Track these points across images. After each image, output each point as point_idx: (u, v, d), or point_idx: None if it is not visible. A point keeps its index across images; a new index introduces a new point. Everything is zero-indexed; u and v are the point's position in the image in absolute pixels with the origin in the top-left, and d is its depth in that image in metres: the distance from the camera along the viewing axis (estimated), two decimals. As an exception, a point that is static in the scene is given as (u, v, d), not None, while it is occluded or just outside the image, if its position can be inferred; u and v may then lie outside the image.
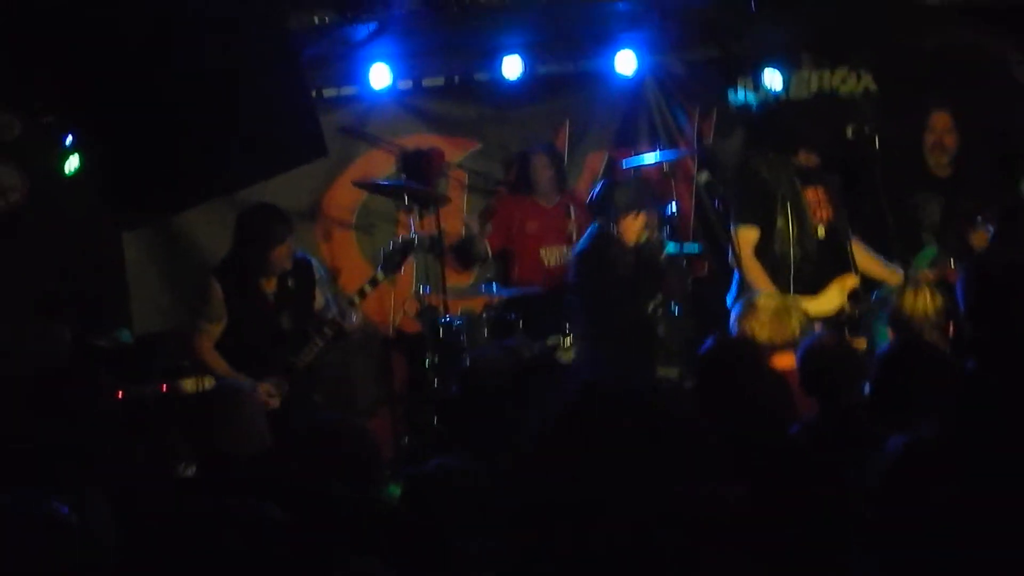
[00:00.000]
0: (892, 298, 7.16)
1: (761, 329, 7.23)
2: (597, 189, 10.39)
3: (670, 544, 2.59)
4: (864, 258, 9.54)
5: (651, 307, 10.07)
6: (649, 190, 10.44)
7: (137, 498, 5.17)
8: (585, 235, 10.41)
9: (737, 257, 9.29)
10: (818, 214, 9.38)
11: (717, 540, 2.67)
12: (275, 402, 9.04)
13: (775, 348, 6.96)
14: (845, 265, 9.32)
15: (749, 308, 7.44)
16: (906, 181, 10.11)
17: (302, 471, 5.53)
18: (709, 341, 6.36)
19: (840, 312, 9.03)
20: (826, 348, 6.32)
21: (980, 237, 9.72)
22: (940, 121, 10.05)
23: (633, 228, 9.98)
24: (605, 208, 10.08)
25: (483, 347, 9.76)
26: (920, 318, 6.90)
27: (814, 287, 9.14)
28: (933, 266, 9.67)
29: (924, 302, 6.98)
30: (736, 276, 9.45)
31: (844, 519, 3.53)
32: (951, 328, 6.91)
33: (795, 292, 9.11)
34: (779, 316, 7.31)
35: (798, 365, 6.35)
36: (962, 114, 10.39)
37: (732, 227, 9.45)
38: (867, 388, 5.82)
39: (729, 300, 9.48)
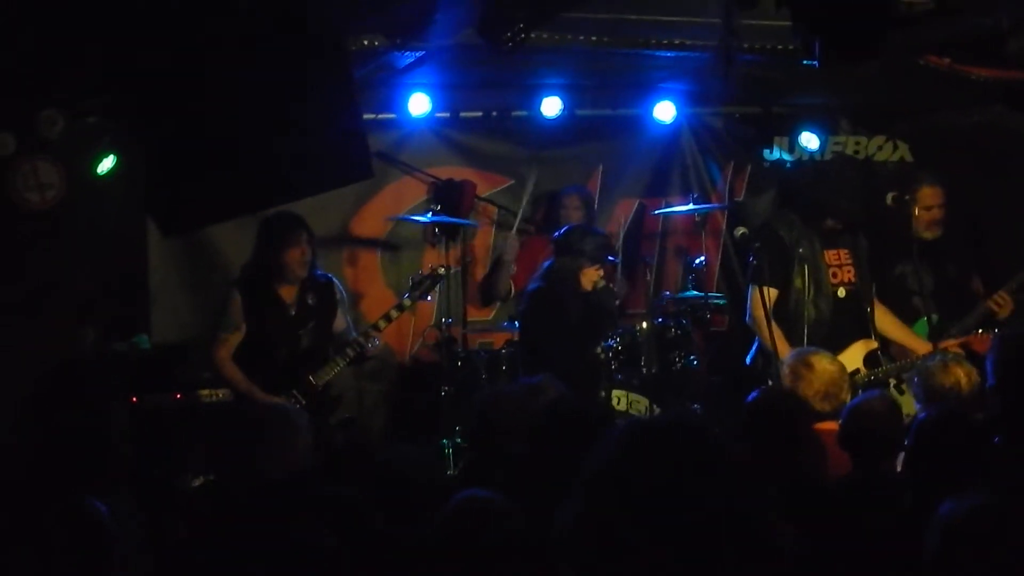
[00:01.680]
0: (926, 369, 7.12)
1: (815, 396, 7.18)
2: (565, 230, 10.33)
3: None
4: (888, 323, 9.55)
5: (599, 351, 10.01)
6: (611, 244, 10.41)
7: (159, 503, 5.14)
8: (541, 271, 10.39)
9: (753, 318, 9.29)
10: (838, 276, 9.38)
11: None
12: None
13: (821, 415, 6.93)
14: (865, 328, 9.33)
15: (805, 368, 7.37)
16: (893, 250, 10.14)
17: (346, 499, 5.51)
18: (762, 389, 6.33)
19: (855, 374, 9.02)
20: (875, 411, 6.30)
21: (1001, 305, 9.75)
22: (930, 196, 10.01)
23: (591, 278, 9.98)
24: (570, 250, 10.05)
25: (506, 385, 9.71)
26: (954, 390, 6.88)
27: (830, 347, 9.13)
28: (938, 337, 9.68)
29: (956, 375, 6.96)
30: (757, 337, 9.44)
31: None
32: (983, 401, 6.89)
33: None
34: (834, 386, 7.26)
35: (843, 419, 6.33)
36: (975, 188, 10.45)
37: (750, 287, 9.44)
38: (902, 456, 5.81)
39: (748, 359, 9.47)
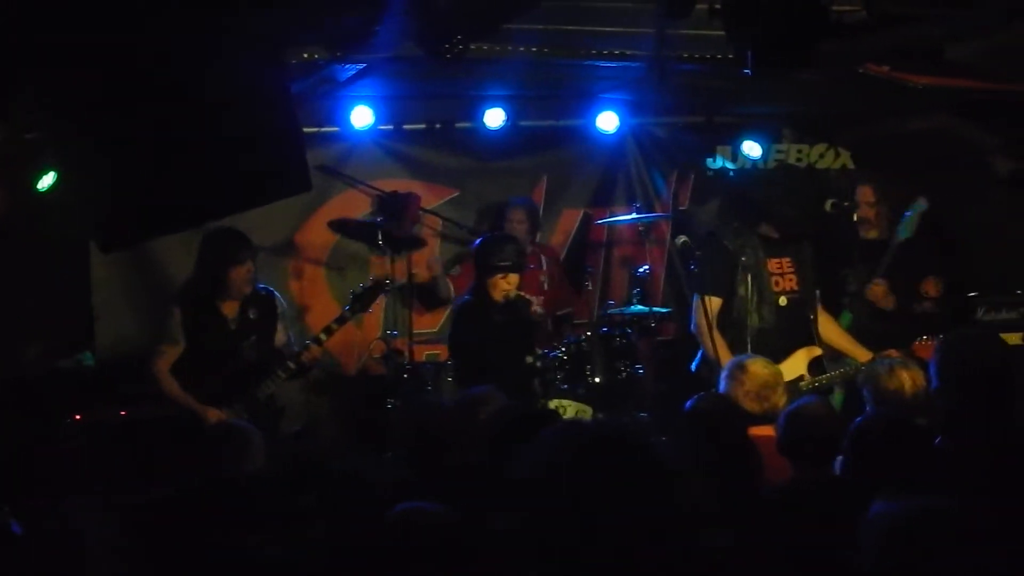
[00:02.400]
0: (873, 373, 7.15)
1: (745, 396, 7.22)
2: (476, 242, 10.37)
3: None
4: (831, 331, 9.58)
5: (530, 359, 10.02)
6: (522, 251, 10.39)
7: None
8: (467, 288, 10.45)
9: (697, 326, 9.31)
10: (780, 284, 9.39)
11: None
12: None
13: (755, 418, 6.95)
14: (809, 335, 9.36)
15: (738, 371, 7.41)
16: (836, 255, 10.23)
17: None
18: (695, 398, 6.34)
19: (798, 380, 9.06)
20: (813, 415, 6.32)
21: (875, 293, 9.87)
22: (864, 194, 10.12)
23: (501, 287, 9.99)
24: (479, 264, 10.11)
25: (443, 398, 9.73)
26: (898, 393, 6.91)
27: (773, 354, 9.16)
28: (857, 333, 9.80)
29: (900, 378, 6.99)
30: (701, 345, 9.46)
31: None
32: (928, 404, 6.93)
33: None
34: (766, 388, 7.29)
35: (781, 425, 6.36)
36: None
37: (696, 296, 9.45)
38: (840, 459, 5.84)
39: (693, 367, 9.49)
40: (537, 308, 10.97)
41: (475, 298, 10.21)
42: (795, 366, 9.18)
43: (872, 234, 10.31)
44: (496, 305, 10.03)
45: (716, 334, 9.09)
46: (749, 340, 9.16)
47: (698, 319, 9.31)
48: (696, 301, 9.36)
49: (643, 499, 2.57)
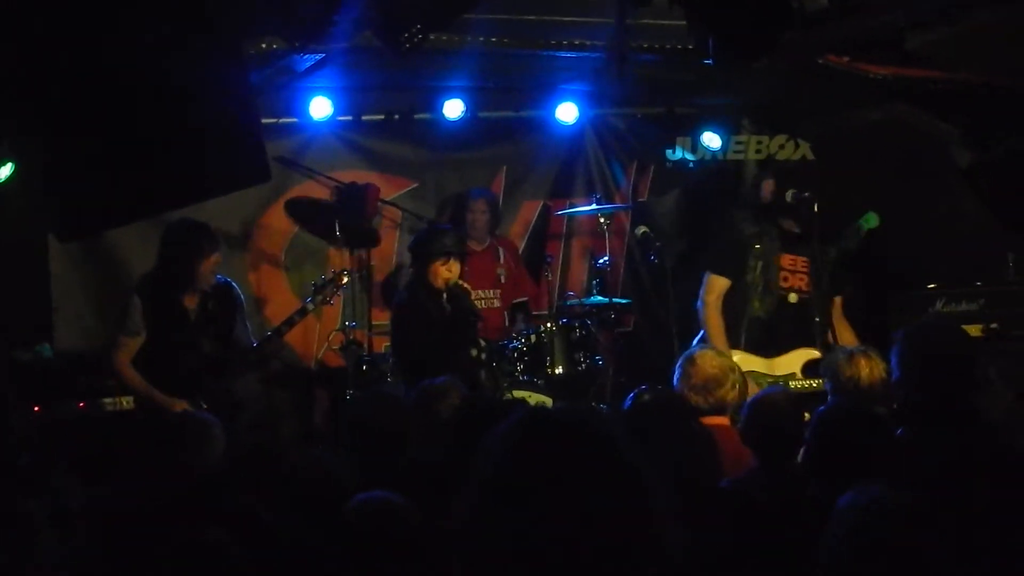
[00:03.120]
0: (832, 361, 7.14)
1: (690, 390, 7.20)
2: (416, 236, 10.34)
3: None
4: (844, 332, 9.47)
5: (475, 352, 9.98)
6: (463, 239, 10.35)
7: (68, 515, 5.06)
8: (403, 284, 10.39)
9: (704, 303, 9.31)
10: (789, 280, 9.39)
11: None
12: None
13: (701, 411, 6.93)
14: (811, 337, 9.31)
15: (687, 365, 7.39)
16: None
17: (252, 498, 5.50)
18: (637, 391, 6.31)
19: (791, 378, 9.06)
20: (776, 404, 6.32)
21: None
22: (767, 187, 10.07)
23: (442, 273, 9.91)
24: (417, 254, 10.05)
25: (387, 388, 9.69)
26: (866, 385, 6.90)
27: (767, 347, 9.19)
28: None
29: (859, 366, 6.97)
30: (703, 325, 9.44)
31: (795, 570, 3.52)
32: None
33: (745, 348, 9.23)
34: (711, 382, 7.23)
35: (744, 415, 6.35)
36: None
37: (705, 274, 9.45)
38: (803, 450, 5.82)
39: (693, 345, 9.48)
40: (491, 299, 10.93)
41: (412, 292, 10.13)
42: (789, 363, 9.19)
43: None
44: (437, 296, 9.97)
45: (717, 315, 9.12)
46: (744, 327, 9.19)
47: (705, 295, 9.33)
48: (708, 278, 9.38)
49: (607, 487, 2.54)
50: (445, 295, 9.93)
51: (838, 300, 9.58)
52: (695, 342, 9.38)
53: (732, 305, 9.31)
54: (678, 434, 5.71)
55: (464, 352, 9.91)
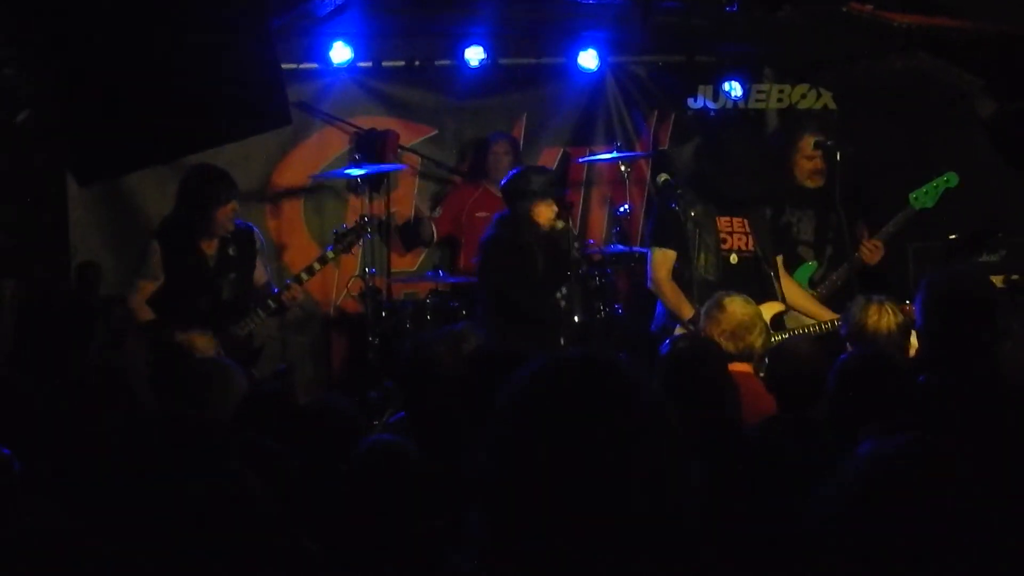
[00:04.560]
0: (854, 313, 7.11)
1: (721, 335, 7.20)
2: (509, 176, 10.15)
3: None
4: (795, 293, 9.50)
5: (559, 296, 9.95)
6: (560, 182, 10.33)
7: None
8: (493, 222, 10.22)
9: (655, 280, 9.26)
10: (729, 242, 9.33)
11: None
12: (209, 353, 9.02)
13: (730, 357, 6.93)
14: (769, 293, 9.28)
15: (715, 311, 7.39)
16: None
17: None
18: (674, 338, 6.31)
19: None
20: (799, 352, 6.32)
21: (872, 252, 9.77)
22: (808, 145, 9.96)
23: (546, 214, 9.84)
24: (521, 193, 9.89)
25: (428, 333, 9.64)
26: (883, 334, 6.88)
27: None
28: (819, 281, 9.87)
29: (888, 318, 6.96)
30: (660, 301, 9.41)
31: (812, 518, 3.50)
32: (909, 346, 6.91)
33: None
34: (741, 328, 7.27)
35: (767, 363, 6.35)
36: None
37: (649, 250, 9.41)
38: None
39: (654, 327, 9.43)
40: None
41: (508, 231, 9.97)
42: None
43: (815, 183, 10.12)
44: (538, 236, 9.90)
45: (671, 286, 9.09)
46: (695, 293, 9.12)
47: (654, 273, 9.26)
48: (653, 254, 9.31)
49: (631, 428, 2.53)
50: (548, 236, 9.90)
51: (779, 259, 9.54)
52: (653, 326, 9.37)
53: (679, 275, 9.27)
54: (712, 380, 5.74)
55: (553, 297, 9.90)
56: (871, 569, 3.15)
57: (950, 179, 9.83)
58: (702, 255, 9.21)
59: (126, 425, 4.77)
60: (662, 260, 9.21)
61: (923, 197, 9.81)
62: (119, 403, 4.96)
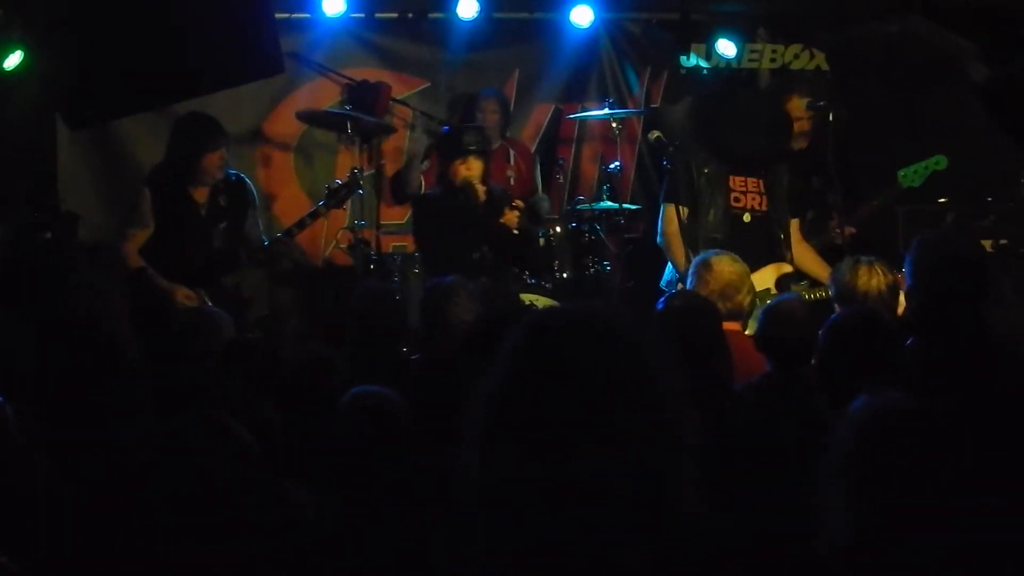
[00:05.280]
0: (843, 273, 7.11)
1: (710, 296, 7.20)
2: (444, 130, 10.39)
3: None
4: (808, 259, 9.46)
5: (476, 257, 9.96)
6: (485, 139, 10.38)
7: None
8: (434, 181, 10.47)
9: (665, 235, 9.25)
10: (742, 201, 9.31)
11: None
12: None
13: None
14: (778, 254, 9.28)
15: (703, 270, 7.40)
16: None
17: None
18: (669, 295, 6.31)
19: (765, 293, 9.02)
20: (792, 311, 6.32)
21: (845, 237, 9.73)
22: (798, 107, 9.91)
23: (459, 171, 10.00)
24: (442, 151, 10.19)
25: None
26: (873, 295, 6.89)
27: None
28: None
29: (877, 279, 6.96)
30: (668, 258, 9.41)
31: (804, 472, 3.52)
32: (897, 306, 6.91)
33: None
34: (730, 287, 7.28)
35: (761, 322, 6.36)
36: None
37: (662, 205, 9.39)
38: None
39: (663, 283, 9.43)
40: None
41: (433, 189, 10.33)
42: (762, 280, 9.11)
43: (799, 144, 10.10)
44: (453, 195, 10.01)
45: (680, 245, 9.09)
46: (701, 250, 9.09)
47: (666, 227, 9.25)
48: (666, 210, 9.30)
49: (618, 381, 2.51)
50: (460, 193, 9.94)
51: (795, 222, 9.52)
52: (663, 282, 9.36)
53: (688, 232, 9.26)
54: (707, 338, 5.75)
55: (467, 253, 9.89)
56: (866, 529, 3.17)
57: (939, 162, 9.86)
58: (711, 212, 9.19)
59: (107, 372, 4.77)
60: (672, 216, 9.19)
61: (911, 175, 9.83)
62: (97, 350, 4.94)
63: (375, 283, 9.57)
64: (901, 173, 9.81)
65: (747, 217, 9.27)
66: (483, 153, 10.13)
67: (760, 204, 9.31)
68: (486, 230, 10.03)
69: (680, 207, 9.15)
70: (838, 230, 9.76)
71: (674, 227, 9.13)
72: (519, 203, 10.51)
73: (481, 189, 10.01)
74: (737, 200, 9.27)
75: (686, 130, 10.84)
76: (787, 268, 9.19)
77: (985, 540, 3.25)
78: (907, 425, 3.33)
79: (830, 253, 9.48)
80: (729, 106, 9.95)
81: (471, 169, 9.92)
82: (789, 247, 9.31)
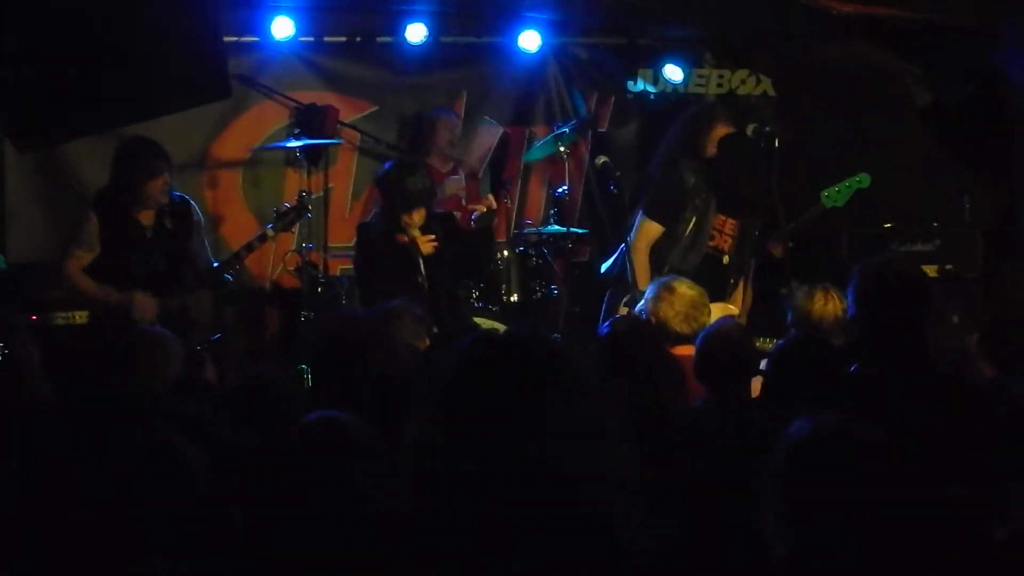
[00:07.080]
0: (799, 299, 7.19)
1: (675, 317, 7.25)
2: (386, 167, 9.96)
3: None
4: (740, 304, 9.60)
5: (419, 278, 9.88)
6: (430, 186, 9.98)
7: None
8: (374, 214, 10.38)
9: (634, 245, 9.31)
10: (715, 240, 9.42)
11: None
12: (151, 315, 9.11)
13: (682, 337, 7.00)
14: (727, 295, 9.38)
15: (666, 291, 7.45)
16: None
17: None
18: (614, 319, 6.35)
19: None
20: (728, 336, 6.36)
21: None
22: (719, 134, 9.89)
23: (413, 222, 9.68)
24: (394, 192, 9.68)
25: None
26: (829, 320, 6.97)
27: None
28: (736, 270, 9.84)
29: (833, 304, 7.04)
30: (621, 250, 9.45)
31: (741, 495, 3.56)
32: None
33: None
34: (694, 308, 7.34)
35: (698, 347, 6.40)
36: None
37: (640, 213, 9.46)
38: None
39: (603, 267, 9.49)
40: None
41: (380, 227, 9.90)
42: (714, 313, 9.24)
43: None
44: (403, 243, 9.72)
45: (645, 259, 9.15)
46: (664, 274, 9.16)
47: (637, 239, 9.32)
48: (642, 220, 9.38)
49: (555, 403, 2.56)
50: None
51: (748, 275, 9.64)
52: (604, 266, 9.41)
53: (656, 252, 9.32)
54: (653, 362, 5.79)
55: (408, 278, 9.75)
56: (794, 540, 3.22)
57: (862, 180, 9.90)
58: (685, 243, 9.29)
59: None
60: (646, 231, 9.28)
61: (834, 195, 9.87)
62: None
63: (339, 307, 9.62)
64: (824, 193, 9.85)
65: (715, 255, 9.38)
66: (428, 198, 9.88)
67: (728, 247, 9.43)
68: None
69: (654, 223, 9.25)
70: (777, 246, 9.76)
71: (645, 243, 9.24)
72: (490, 200, 10.54)
73: (427, 245, 9.83)
74: (712, 238, 9.39)
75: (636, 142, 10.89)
76: (733, 310, 9.26)
77: (915, 556, 3.30)
78: (835, 444, 3.39)
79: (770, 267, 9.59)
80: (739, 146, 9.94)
81: (414, 220, 9.72)
82: (732, 295, 9.43)
